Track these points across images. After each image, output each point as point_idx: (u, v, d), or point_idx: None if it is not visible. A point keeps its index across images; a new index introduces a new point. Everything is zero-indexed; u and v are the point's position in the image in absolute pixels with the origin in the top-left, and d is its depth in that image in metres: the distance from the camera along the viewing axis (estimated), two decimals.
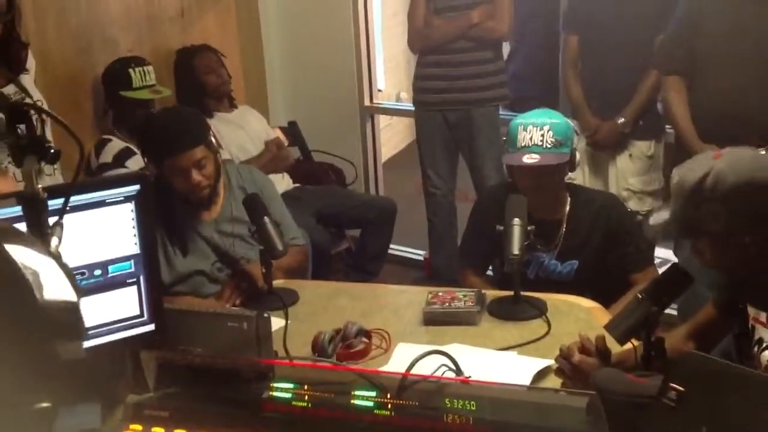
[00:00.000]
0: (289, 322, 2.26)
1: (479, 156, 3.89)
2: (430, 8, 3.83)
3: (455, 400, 1.50)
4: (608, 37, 3.42)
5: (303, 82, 4.78)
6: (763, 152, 1.93)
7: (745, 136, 2.16)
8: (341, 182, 4.41)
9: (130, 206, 1.40)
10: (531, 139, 2.53)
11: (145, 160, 2.71)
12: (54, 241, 1.01)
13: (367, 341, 2.17)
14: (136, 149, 3.55)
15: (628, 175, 3.54)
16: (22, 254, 0.63)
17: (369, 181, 4.82)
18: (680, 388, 1.36)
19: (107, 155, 3.45)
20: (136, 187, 1.39)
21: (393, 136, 6.80)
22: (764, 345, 1.82)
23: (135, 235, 1.42)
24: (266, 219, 2.44)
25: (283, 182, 3.95)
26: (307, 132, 4.48)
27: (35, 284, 0.61)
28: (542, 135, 2.53)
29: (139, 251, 1.42)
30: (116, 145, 3.48)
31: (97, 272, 1.39)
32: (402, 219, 4.21)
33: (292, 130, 4.45)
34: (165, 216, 2.56)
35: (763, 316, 1.85)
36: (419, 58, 3.99)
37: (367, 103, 4.74)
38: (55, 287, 0.62)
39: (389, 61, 6.95)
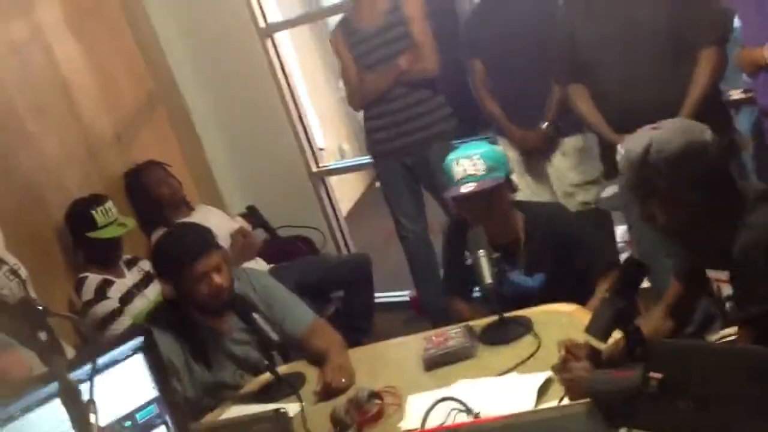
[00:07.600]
0: (303, 404, 2.40)
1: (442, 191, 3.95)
2: (360, 67, 3.95)
3: None
4: (507, 52, 3.56)
5: (250, 167, 4.92)
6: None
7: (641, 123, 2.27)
8: (312, 250, 4.55)
9: (140, 356, 1.54)
10: (465, 170, 2.70)
11: (162, 280, 2.78)
12: (92, 418, 1.15)
13: (380, 402, 2.27)
14: (113, 278, 3.68)
15: (566, 172, 3.66)
16: None
17: (338, 241, 4.95)
18: (658, 376, 1.52)
19: (88, 292, 3.55)
20: (141, 338, 1.53)
21: (347, 191, 6.93)
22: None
23: (150, 381, 1.56)
24: (255, 315, 2.59)
25: (257, 267, 4.06)
26: (266, 211, 4.62)
27: None
28: (474, 165, 2.69)
29: (158, 393, 1.56)
30: (93, 280, 3.58)
31: (128, 423, 1.52)
32: (378, 266, 4.35)
33: (252, 214, 4.59)
34: (186, 334, 2.65)
35: (722, 274, 2.02)
36: (364, 113, 4.10)
37: (314, 169, 4.89)
38: None
39: (322, 118, 7.11)
